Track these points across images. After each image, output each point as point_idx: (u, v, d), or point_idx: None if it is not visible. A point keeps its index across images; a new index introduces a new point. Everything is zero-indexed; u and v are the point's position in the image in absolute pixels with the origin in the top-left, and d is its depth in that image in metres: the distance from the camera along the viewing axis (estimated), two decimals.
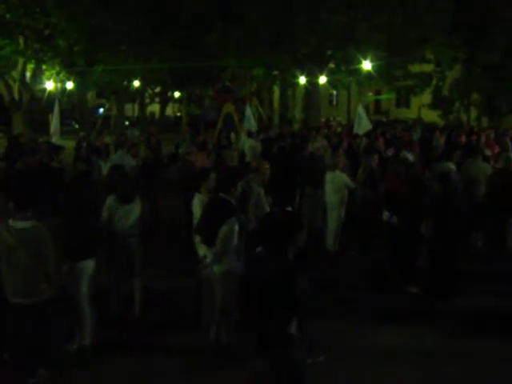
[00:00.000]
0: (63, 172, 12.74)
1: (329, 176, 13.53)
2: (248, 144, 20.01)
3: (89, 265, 8.59)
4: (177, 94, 61.21)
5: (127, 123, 53.24)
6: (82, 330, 8.63)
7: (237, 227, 8.15)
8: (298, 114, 42.97)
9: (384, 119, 51.09)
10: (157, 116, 64.58)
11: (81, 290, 8.54)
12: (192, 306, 9.48)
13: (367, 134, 20.07)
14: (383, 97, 61.48)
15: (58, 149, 13.97)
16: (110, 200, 9.58)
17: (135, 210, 9.60)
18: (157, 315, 9.90)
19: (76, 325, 8.66)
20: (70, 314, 8.65)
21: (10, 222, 7.52)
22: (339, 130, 26.60)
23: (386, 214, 11.47)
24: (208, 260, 8.33)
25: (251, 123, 24.39)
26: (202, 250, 8.57)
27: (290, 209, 7.88)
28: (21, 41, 28.49)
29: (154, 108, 67.09)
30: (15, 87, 30.44)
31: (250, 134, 21.10)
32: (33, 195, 7.98)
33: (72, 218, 8.61)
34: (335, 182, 13.41)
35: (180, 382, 7.90)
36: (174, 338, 9.03)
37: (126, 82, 46.65)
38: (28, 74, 31.79)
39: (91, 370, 8.09)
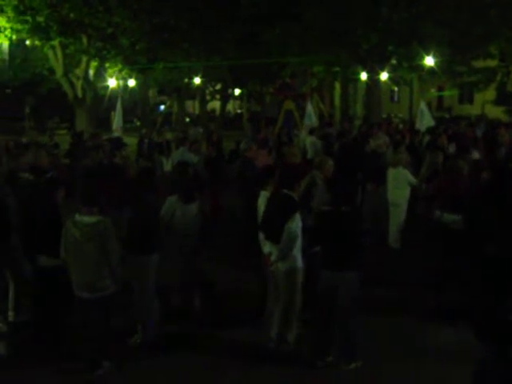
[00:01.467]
0: (126, 168, 12.89)
1: (391, 173, 13.40)
2: (309, 140, 19.95)
3: (152, 260, 8.68)
4: (237, 91, 61.49)
5: (188, 120, 53.75)
6: (145, 324, 8.73)
7: (300, 224, 8.14)
8: (359, 110, 42.72)
9: (447, 116, 50.31)
10: (217, 113, 64.95)
11: (144, 285, 8.64)
12: (255, 303, 9.51)
13: (430, 131, 19.79)
14: (446, 93, 60.51)
15: (120, 146, 14.15)
16: (172, 198, 9.67)
17: (195, 207, 9.67)
18: (219, 311, 9.93)
19: (139, 319, 8.77)
20: (134, 309, 8.78)
21: (77, 217, 7.67)
22: (401, 126, 26.28)
23: (437, 213, 11.26)
24: (273, 257, 8.33)
25: (312, 120, 24.33)
26: (266, 247, 8.56)
27: (345, 208, 7.77)
28: (84, 39, 28.89)
29: (215, 105, 67.53)
30: (78, 85, 30.83)
31: (311, 131, 21.03)
32: (99, 191, 8.12)
33: (136, 214, 8.70)
34: (397, 179, 13.28)
35: (241, 378, 7.91)
36: (235, 334, 9.04)
37: (186, 80, 47.17)
38: (91, 72, 32.21)
39: (153, 364, 8.18)
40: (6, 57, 29.89)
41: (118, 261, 7.81)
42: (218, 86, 57.80)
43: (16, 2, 25.31)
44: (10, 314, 9.35)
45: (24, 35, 27.28)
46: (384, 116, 41.42)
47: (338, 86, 45.95)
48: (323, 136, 19.48)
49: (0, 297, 9.30)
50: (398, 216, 13.39)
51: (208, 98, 59.33)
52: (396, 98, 67.24)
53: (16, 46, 29.07)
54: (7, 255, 9.08)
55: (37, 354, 8.38)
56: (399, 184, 13.25)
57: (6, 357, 8.39)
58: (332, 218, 7.82)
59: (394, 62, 36.06)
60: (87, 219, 7.61)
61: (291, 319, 8.41)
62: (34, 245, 8.41)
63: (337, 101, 46.94)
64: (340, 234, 7.72)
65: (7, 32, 26.19)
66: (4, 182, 10.03)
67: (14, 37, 26.76)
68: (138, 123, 49.89)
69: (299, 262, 8.22)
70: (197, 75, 45.08)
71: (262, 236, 8.68)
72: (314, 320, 8.19)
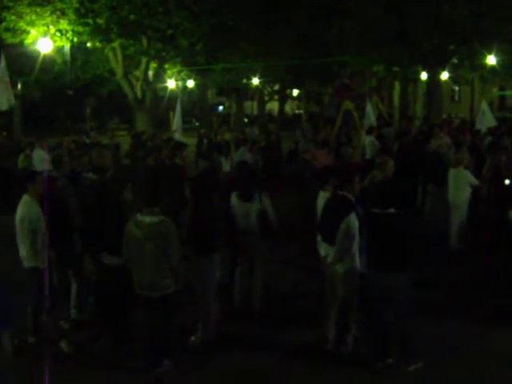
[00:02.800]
0: (186, 169, 13.00)
1: (452, 173, 13.24)
2: (368, 140, 19.85)
3: (214, 259, 8.75)
4: (295, 92, 61.50)
5: (246, 120, 53.98)
6: (206, 323, 8.80)
7: (357, 224, 8.08)
8: (418, 110, 42.22)
9: (508, 115, 49.44)
10: (275, 113, 65.06)
11: (206, 285, 8.71)
12: (313, 304, 9.52)
13: (492, 131, 19.50)
14: (508, 92, 59.60)
15: (180, 146, 14.29)
16: (233, 197, 9.74)
17: (255, 207, 9.70)
18: (277, 312, 9.91)
19: (200, 318, 8.84)
20: (194, 308, 8.85)
21: (139, 216, 7.79)
22: (462, 127, 25.93)
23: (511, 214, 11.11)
24: (329, 259, 8.32)
25: (371, 120, 24.18)
26: (323, 248, 8.55)
27: (394, 210, 7.69)
28: (144, 41, 29.24)
29: (273, 105, 67.66)
30: (138, 86, 31.24)
31: (368, 130, 20.91)
32: (160, 191, 8.22)
33: (197, 214, 8.76)
34: (459, 180, 13.10)
35: (299, 380, 7.90)
36: (294, 336, 9.03)
37: (245, 80, 47.30)
38: (150, 73, 32.59)
39: (212, 363, 8.22)
40: (68, 59, 30.38)
41: (179, 261, 7.89)
42: (276, 87, 57.88)
43: (77, 5, 25.73)
44: (73, 311, 9.54)
45: (85, 37, 27.68)
46: (444, 116, 40.90)
47: (397, 85, 45.52)
48: (379, 136, 19.37)
49: (62, 295, 9.46)
50: (458, 217, 13.22)
51: (266, 98, 59.46)
52: (457, 98, 66.42)
53: (77, 48, 29.50)
54: (69, 254, 9.25)
55: (98, 351, 8.55)
56: (460, 185, 13.07)
57: (69, 354, 8.54)
58: (378, 220, 7.76)
59: (454, 61, 35.62)
60: (149, 219, 7.71)
61: (349, 320, 8.39)
62: (98, 243, 8.55)
63: (396, 100, 46.49)
64: (387, 236, 7.65)
65: (69, 35, 26.62)
66: (67, 182, 10.25)
67: (75, 39, 27.17)
68: (197, 124, 50.28)
69: (357, 263, 8.18)
70: (255, 76, 45.27)
71: (318, 238, 8.67)
72: (371, 321, 8.15)
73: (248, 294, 9.87)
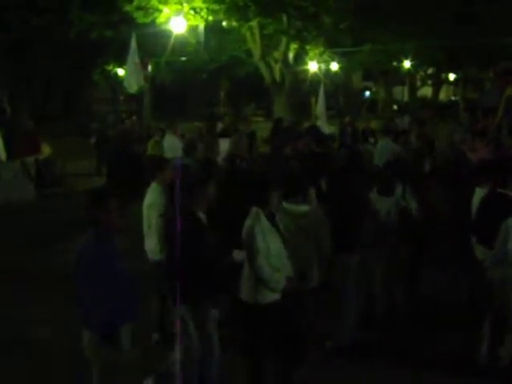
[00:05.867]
0: (328, 157, 13.04)
1: None
2: None
3: (354, 259, 8.81)
4: (452, 76, 60.28)
5: (395, 108, 53.41)
6: (341, 328, 8.87)
7: None
8: None
9: None
10: (428, 100, 64.02)
11: (343, 286, 8.79)
12: (462, 311, 9.41)
13: None
14: None
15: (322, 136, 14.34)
16: (373, 192, 9.74)
17: (393, 201, 9.59)
18: (422, 318, 9.81)
19: (335, 322, 8.91)
20: (329, 312, 8.92)
21: (285, 204, 7.83)
22: None
23: None
24: (486, 263, 8.19)
25: None
26: (479, 251, 8.42)
27: None
28: (284, 19, 29.38)
29: (426, 91, 66.60)
30: (277, 68, 31.45)
31: None
32: (303, 180, 8.32)
33: (339, 206, 8.74)
34: None
35: None
36: (441, 346, 8.97)
37: (395, 63, 46.78)
38: (290, 55, 32.74)
39: (345, 370, 8.24)
40: (202, 39, 30.89)
41: (327, 254, 7.93)
42: (430, 71, 56.92)
43: None
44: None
45: (221, 16, 28.03)
46: None
47: None
48: None
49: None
50: None
51: (418, 83, 58.62)
52: None
53: (212, 27, 29.96)
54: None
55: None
56: None
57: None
58: None
59: None
60: (296, 208, 7.82)
61: (505, 332, 8.24)
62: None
63: None
64: None
65: (203, 13, 27.03)
66: (200, 171, 10.38)
67: (210, 18, 27.56)
68: (340, 110, 50.24)
69: None
70: (406, 58, 44.70)
71: (473, 239, 8.55)
72: None
73: (391, 298, 9.84)
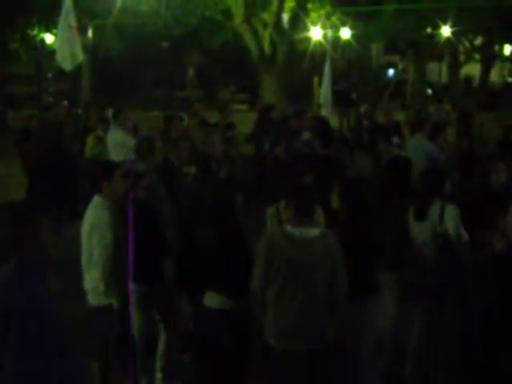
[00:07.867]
0: (339, 162, 13.04)
1: None
2: None
3: (375, 303, 8.77)
4: (508, 49, 60.65)
5: (430, 92, 53.54)
6: None
7: None
8: None
9: None
10: (476, 82, 64.35)
11: (362, 339, 8.75)
12: None
13: None
14: None
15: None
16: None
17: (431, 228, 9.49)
18: None
19: None
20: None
21: (288, 228, 7.78)
22: None
23: None
24: None
25: None
26: None
27: None
28: None
29: (473, 70, 66.93)
30: (266, 36, 31.31)
31: None
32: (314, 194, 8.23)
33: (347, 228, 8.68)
34: None
35: None
36: None
37: (429, 30, 46.75)
38: (285, 17, 32.69)
39: None
40: None
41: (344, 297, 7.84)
42: (479, 41, 57.24)
43: None
44: (159, 375, 9.64)
45: None
46: None
47: None
48: None
49: (145, 352, 9.57)
50: None
51: (462, 58, 58.91)
52: None
53: None
54: (159, 291, 9.38)
55: None
56: None
57: None
58: None
59: None
60: (305, 232, 7.70)
61: None
62: (198, 276, 8.61)
63: None
64: None
65: None
66: (157, 179, 10.26)
67: None
68: (354, 95, 50.38)
69: None
70: (445, 23, 44.54)
71: None
72: None
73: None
